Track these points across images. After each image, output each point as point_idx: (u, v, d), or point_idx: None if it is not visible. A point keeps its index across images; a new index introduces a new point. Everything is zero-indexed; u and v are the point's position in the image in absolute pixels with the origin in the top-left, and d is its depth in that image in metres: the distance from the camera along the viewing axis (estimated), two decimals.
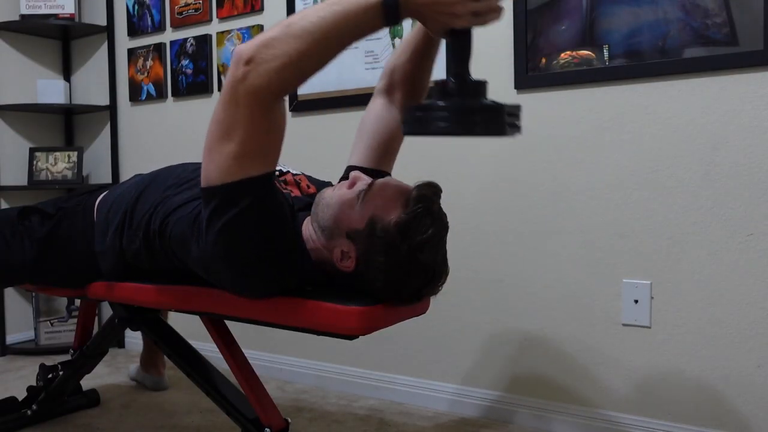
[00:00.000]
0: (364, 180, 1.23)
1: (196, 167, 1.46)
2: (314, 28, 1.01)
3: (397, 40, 2.05)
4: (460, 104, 1.03)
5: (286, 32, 1.02)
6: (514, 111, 1.06)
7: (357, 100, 2.14)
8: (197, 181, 1.36)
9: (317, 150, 2.25)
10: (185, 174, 1.43)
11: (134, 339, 2.70)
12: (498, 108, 1.03)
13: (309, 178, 1.49)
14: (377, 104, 1.45)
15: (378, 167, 1.44)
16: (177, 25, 2.60)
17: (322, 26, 1.01)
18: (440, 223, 1.18)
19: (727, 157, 1.60)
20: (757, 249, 1.57)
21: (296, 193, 1.39)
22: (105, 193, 1.57)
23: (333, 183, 1.42)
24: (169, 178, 1.42)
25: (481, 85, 1.06)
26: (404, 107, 1.23)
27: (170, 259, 1.32)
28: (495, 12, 1.03)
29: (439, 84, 1.07)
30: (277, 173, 1.41)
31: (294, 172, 1.49)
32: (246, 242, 1.13)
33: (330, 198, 1.24)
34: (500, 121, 1.03)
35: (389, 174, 1.47)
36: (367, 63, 2.12)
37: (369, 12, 1.01)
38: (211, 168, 1.11)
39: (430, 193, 1.17)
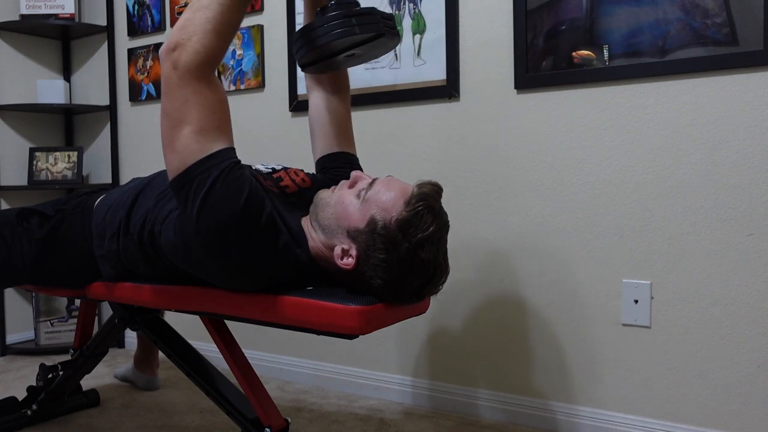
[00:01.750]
0: (365, 179, 1.23)
1: None
2: (222, 17, 1.12)
3: None
4: (336, 14, 1.19)
5: (195, 8, 1.13)
6: (388, 16, 1.23)
7: (356, 100, 2.14)
8: None
9: None
10: None
11: (134, 339, 2.70)
12: (371, 10, 1.20)
13: (308, 174, 1.48)
14: (314, 98, 1.56)
15: (342, 150, 1.54)
16: None
17: (230, 11, 1.13)
18: (441, 222, 1.18)
19: (727, 157, 1.60)
20: (757, 249, 1.58)
21: (292, 187, 1.38)
22: (103, 195, 1.57)
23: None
24: (163, 183, 1.42)
25: (353, 2, 1.23)
26: (293, 44, 1.33)
27: (165, 265, 1.32)
28: None
29: (320, 9, 1.22)
30: (269, 171, 1.41)
31: (289, 167, 1.48)
32: (227, 216, 1.12)
33: (330, 197, 1.24)
34: (375, 21, 1.20)
35: (354, 155, 1.57)
36: (366, 63, 2.11)
37: None
38: (173, 159, 1.15)
39: (431, 191, 1.17)
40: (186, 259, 1.23)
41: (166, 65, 1.12)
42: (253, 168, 1.38)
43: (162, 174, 1.49)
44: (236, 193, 1.12)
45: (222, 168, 1.12)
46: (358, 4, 1.24)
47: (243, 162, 1.19)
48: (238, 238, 1.13)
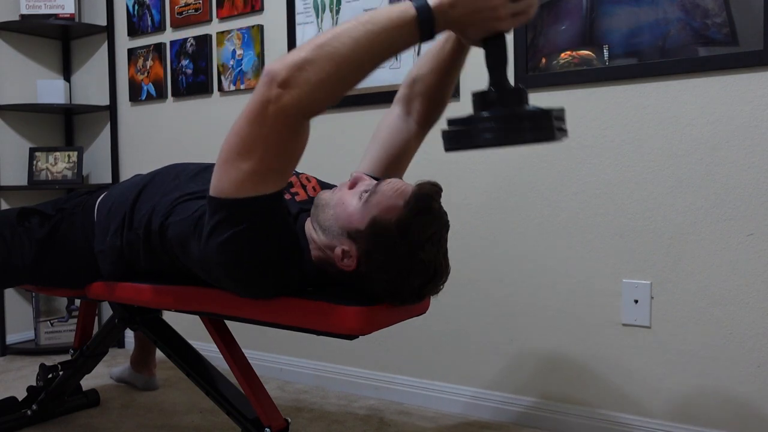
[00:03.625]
0: (366, 181, 1.23)
1: (197, 169, 1.46)
2: (347, 50, 0.98)
3: None
4: (505, 112, 0.99)
5: (320, 54, 0.98)
6: (560, 115, 1.02)
7: (357, 100, 2.14)
8: (200, 182, 1.35)
9: (317, 150, 2.24)
10: (185, 174, 1.43)
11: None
12: (545, 113, 0.98)
13: (319, 182, 1.48)
14: (394, 113, 1.43)
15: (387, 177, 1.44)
16: (177, 25, 2.60)
17: (355, 49, 0.99)
18: (441, 222, 1.18)
19: (727, 157, 1.60)
20: (757, 249, 1.57)
21: (302, 195, 1.39)
22: (105, 193, 1.57)
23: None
24: (169, 178, 1.42)
25: (522, 92, 1.03)
26: (440, 124, 1.15)
27: (171, 259, 1.32)
28: (532, 9, 1.03)
29: (479, 94, 1.02)
30: None
31: (301, 172, 1.48)
32: (250, 256, 1.13)
33: (330, 198, 1.25)
34: (549, 126, 0.98)
35: None
36: None
37: (403, 29, 0.99)
38: (224, 180, 1.09)
39: (430, 191, 1.17)
40: (195, 264, 1.24)
41: (267, 93, 0.99)
42: None
43: (167, 168, 1.49)
44: (262, 245, 1.13)
45: (260, 217, 1.11)
46: (524, 95, 1.03)
47: None
48: (256, 279, 1.17)
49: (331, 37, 0.99)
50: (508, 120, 0.98)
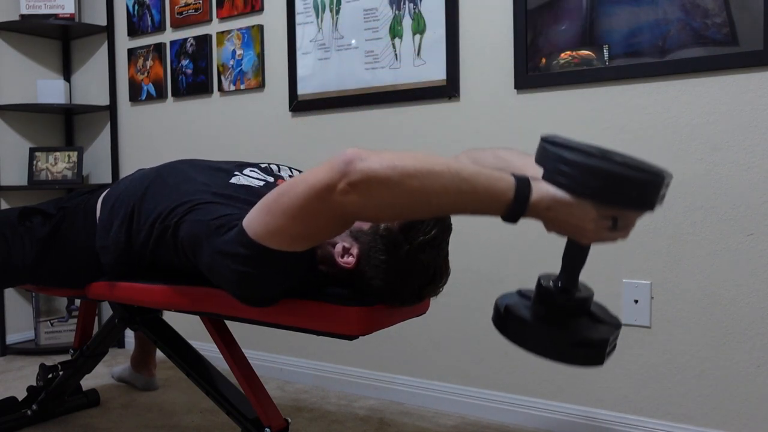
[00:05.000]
0: None
1: (210, 169, 1.43)
2: (429, 193, 0.93)
3: (397, 41, 2.05)
4: (562, 333, 0.98)
5: (404, 183, 0.91)
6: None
7: (357, 100, 2.14)
8: (214, 183, 1.34)
9: (317, 150, 2.25)
10: (198, 173, 1.40)
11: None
12: (601, 343, 0.97)
13: None
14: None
15: None
16: (177, 25, 2.60)
17: (439, 196, 0.93)
18: (443, 225, 1.19)
19: (727, 157, 1.60)
20: (757, 249, 1.57)
21: None
22: (108, 189, 1.56)
23: None
24: (180, 175, 1.40)
25: (586, 302, 1.02)
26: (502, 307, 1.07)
27: (178, 255, 1.32)
28: (621, 235, 1.00)
29: (545, 290, 1.01)
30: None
31: None
32: (260, 289, 1.17)
33: None
34: (600, 355, 0.97)
35: None
36: (367, 63, 2.12)
37: (493, 205, 0.94)
38: (261, 224, 1.09)
39: None
40: (203, 266, 1.24)
41: (334, 179, 0.94)
42: (277, 183, 1.38)
43: (174, 165, 1.46)
44: (275, 284, 1.17)
45: (281, 267, 1.13)
46: (588, 305, 1.04)
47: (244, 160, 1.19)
48: (262, 295, 1.21)
49: (424, 171, 0.92)
50: (560, 341, 0.97)
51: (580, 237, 0.99)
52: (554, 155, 0.93)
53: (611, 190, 0.92)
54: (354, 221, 1.05)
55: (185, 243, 1.27)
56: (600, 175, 0.91)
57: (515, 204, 0.93)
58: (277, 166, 1.50)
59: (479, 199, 0.94)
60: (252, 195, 1.28)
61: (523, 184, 0.92)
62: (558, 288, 1.01)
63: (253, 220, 1.10)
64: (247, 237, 1.10)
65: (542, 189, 0.93)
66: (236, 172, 1.41)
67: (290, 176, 1.48)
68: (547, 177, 0.94)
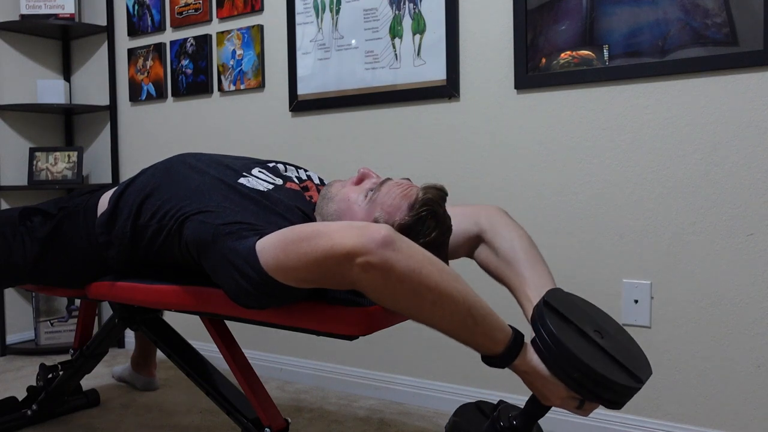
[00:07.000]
0: (372, 179, 1.23)
1: (220, 165, 1.41)
2: (437, 313, 1.00)
3: (396, 41, 2.05)
4: None
5: (418, 291, 0.97)
6: None
7: (356, 100, 2.14)
8: (223, 183, 1.32)
9: (317, 150, 2.25)
10: (206, 171, 1.38)
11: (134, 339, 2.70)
12: None
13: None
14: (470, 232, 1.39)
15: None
16: (177, 25, 2.60)
17: (443, 319, 1.01)
18: (444, 227, 1.18)
19: (727, 157, 1.60)
20: (757, 249, 1.57)
21: (316, 198, 1.39)
22: (109, 190, 1.55)
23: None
24: (189, 171, 1.39)
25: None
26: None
27: (182, 253, 1.31)
28: (582, 413, 1.06)
29: (497, 421, 1.07)
30: (299, 185, 1.42)
31: (316, 181, 1.48)
32: (260, 303, 1.18)
33: (336, 193, 1.25)
34: None
35: None
36: (366, 63, 2.12)
37: (483, 347, 1.03)
38: (273, 256, 1.08)
39: (436, 196, 1.17)
40: (207, 265, 1.24)
41: (353, 250, 0.96)
42: (286, 186, 1.38)
43: (180, 161, 1.44)
44: (278, 303, 1.18)
45: (286, 297, 1.15)
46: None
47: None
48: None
49: (442, 292, 0.98)
50: None
51: (545, 401, 1.06)
52: (547, 330, 1.01)
53: (588, 388, 0.98)
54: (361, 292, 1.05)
55: (189, 241, 1.27)
56: (581, 369, 0.97)
57: (499, 359, 1.02)
58: (284, 165, 1.49)
59: (473, 338, 1.02)
60: (262, 198, 1.28)
61: (515, 344, 1.02)
62: (512, 427, 1.07)
63: (268, 252, 1.09)
64: (258, 263, 1.09)
65: (527, 356, 1.03)
66: (245, 173, 1.39)
67: (297, 177, 1.45)
68: (535, 343, 1.03)
